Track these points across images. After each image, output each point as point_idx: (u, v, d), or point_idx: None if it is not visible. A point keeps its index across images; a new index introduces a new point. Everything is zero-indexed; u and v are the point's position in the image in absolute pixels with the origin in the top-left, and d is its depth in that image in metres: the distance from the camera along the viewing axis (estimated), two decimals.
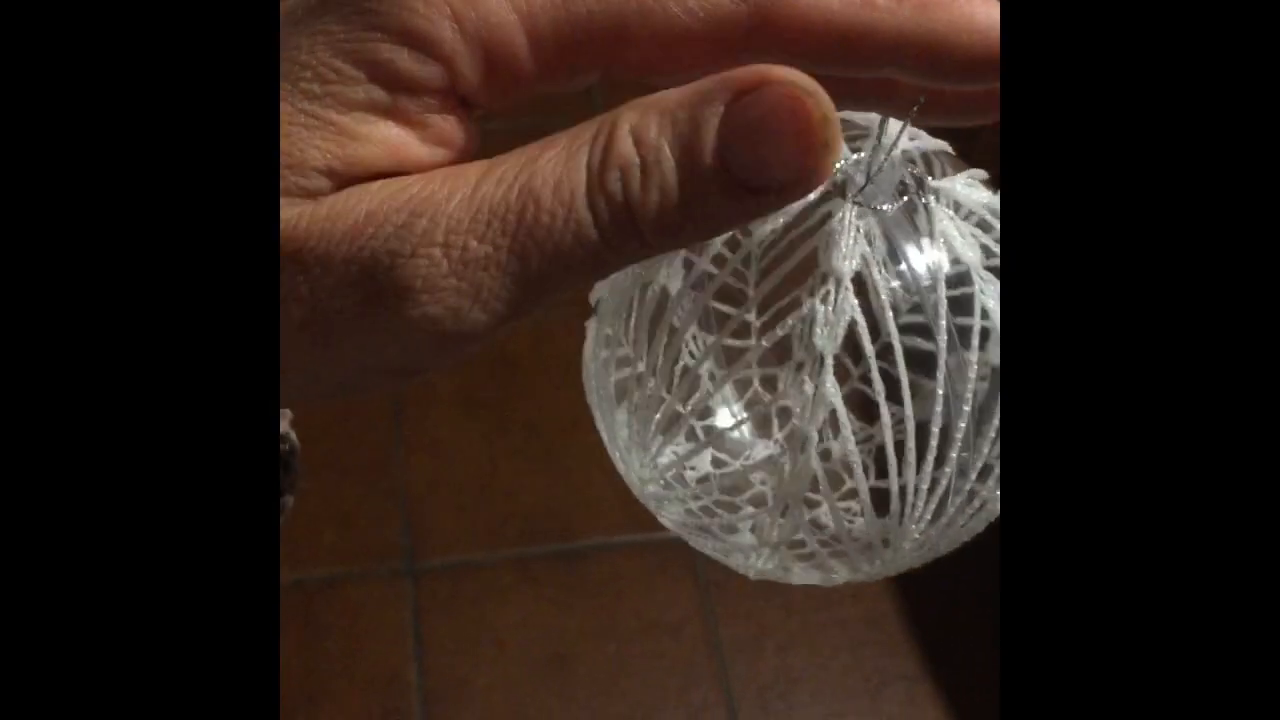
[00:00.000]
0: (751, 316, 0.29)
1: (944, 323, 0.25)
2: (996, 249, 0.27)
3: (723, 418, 0.31)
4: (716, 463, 0.31)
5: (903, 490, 0.26)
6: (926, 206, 0.26)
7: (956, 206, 0.27)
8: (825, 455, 0.26)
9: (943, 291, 0.25)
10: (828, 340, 0.24)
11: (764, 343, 0.25)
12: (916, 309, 0.26)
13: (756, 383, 0.31)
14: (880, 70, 0.22)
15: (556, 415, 1.12)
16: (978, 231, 0.27)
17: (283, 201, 0.20)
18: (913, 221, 0.26)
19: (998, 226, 0.27)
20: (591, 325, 0.28)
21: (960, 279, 0.26)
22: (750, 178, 0.20)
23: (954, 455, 0.26)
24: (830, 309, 0.25)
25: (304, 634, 0.99)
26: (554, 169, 0.20)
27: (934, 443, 0.26)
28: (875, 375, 0.25)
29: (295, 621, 0.99)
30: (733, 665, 1.00)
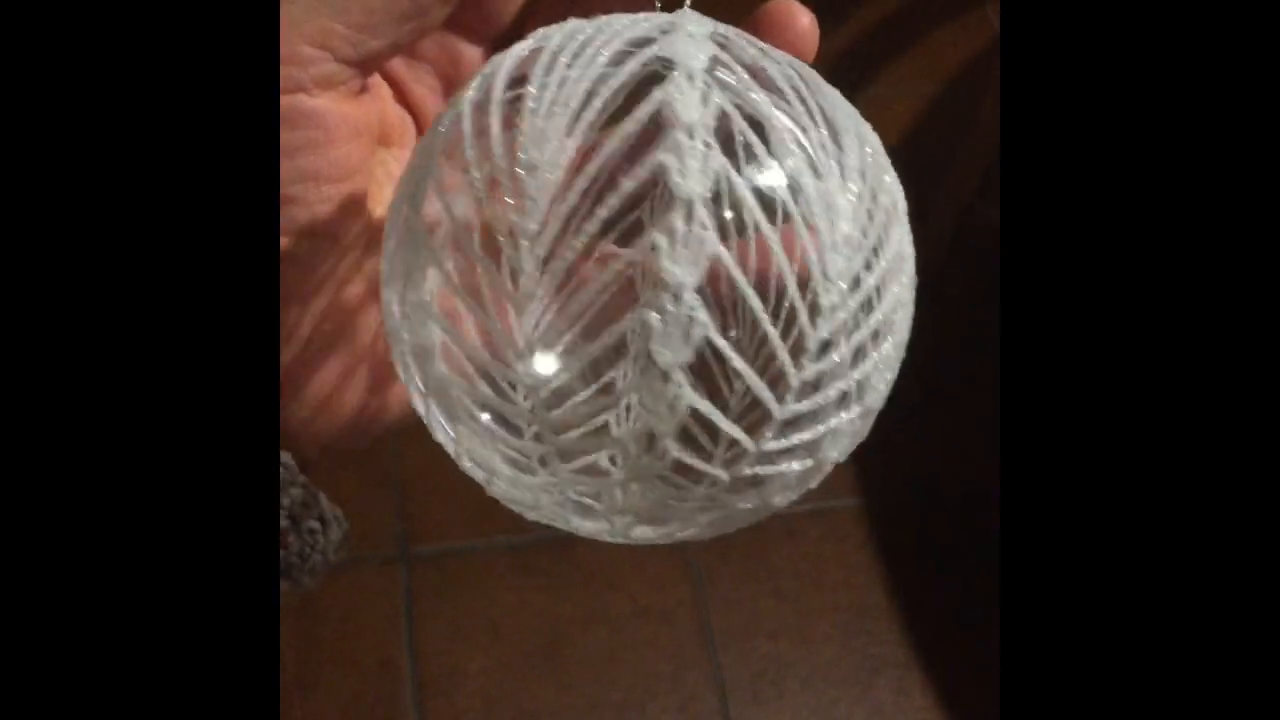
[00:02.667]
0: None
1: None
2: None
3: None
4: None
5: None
6: None
7: None
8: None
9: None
10: (682, 267, 0.21)
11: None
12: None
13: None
14: None
15: None
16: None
17: None
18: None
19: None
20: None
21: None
22: None
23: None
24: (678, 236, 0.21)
25: (297, 621, 0.99)
26: None
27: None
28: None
29: (288, 608, 0.99)
30: (724, 652, 1.01)
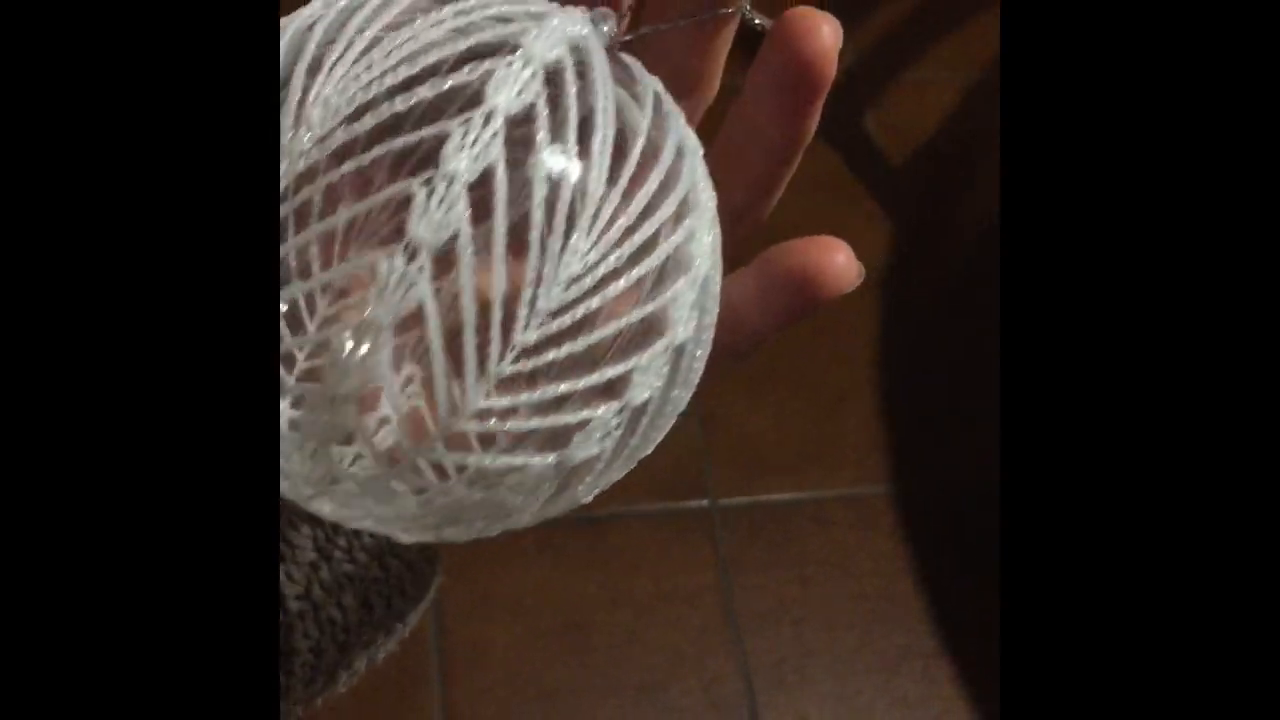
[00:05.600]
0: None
1: None
2: None
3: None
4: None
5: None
6: None
7: None
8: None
9: None
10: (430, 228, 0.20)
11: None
12: None
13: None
14: None
15: None
16: None
17: None
18: None
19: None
20: None
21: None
22: None
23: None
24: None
25: None
26: None
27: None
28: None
29: None
30: (748, 637, 1.01)
